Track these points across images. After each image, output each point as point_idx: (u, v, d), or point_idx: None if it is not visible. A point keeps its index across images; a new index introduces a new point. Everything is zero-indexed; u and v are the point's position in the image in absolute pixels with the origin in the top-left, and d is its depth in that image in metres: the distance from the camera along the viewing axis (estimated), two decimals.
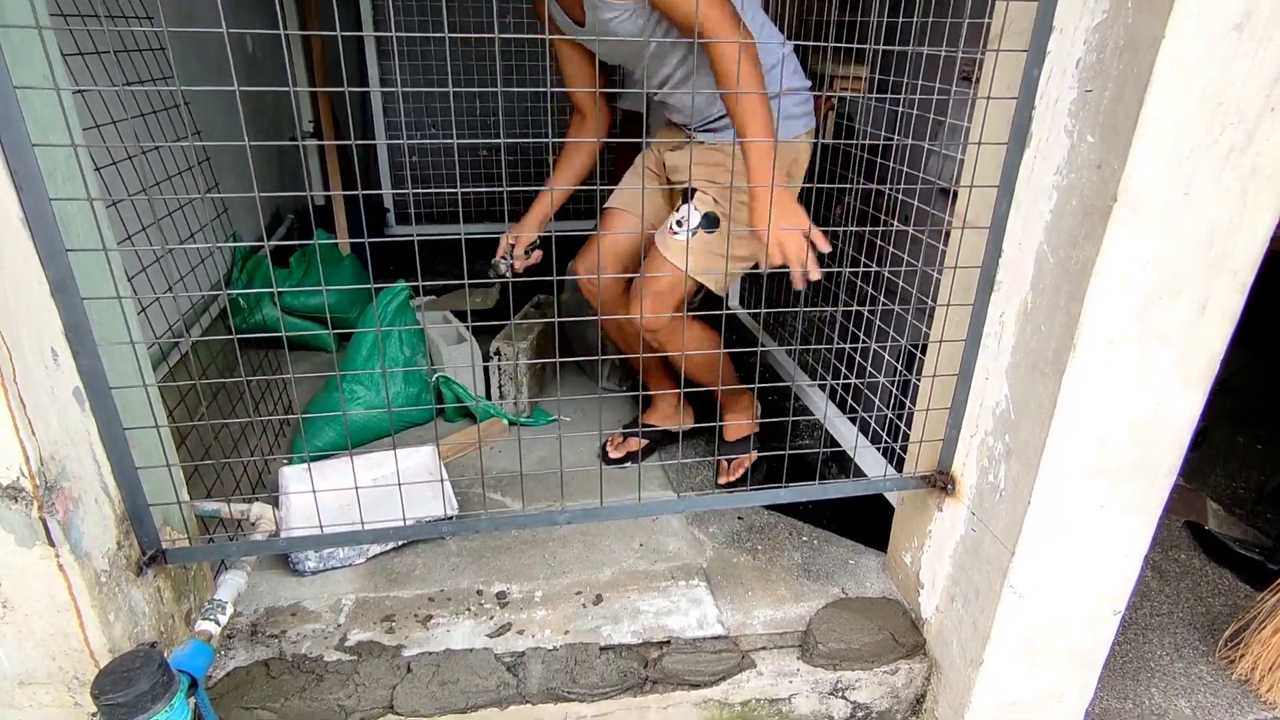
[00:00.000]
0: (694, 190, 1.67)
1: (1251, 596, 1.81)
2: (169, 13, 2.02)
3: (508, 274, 1.77)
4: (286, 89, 1.14)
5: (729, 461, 1.96)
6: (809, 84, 1.77)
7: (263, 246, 2.21)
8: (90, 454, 1.07)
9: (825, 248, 1.40)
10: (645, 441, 2.03)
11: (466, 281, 1.16)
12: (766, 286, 2.64)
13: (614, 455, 2.00)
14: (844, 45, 1.35)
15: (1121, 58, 0.98)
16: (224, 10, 0.88)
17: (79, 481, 1.04)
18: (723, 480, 1.93)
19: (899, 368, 1.80)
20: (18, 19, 0.91)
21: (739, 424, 2.00)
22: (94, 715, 1.11)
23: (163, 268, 1.55)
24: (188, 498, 1.27)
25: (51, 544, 1.00)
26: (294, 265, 2.54)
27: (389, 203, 3.50)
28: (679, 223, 1.67)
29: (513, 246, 1.80)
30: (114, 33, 1.44)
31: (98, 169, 1.15)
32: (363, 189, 3.46)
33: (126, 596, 1.14)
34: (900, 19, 1.79)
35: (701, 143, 1.74)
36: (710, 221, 1.66)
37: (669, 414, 2.07)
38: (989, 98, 1.17)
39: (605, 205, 1.88)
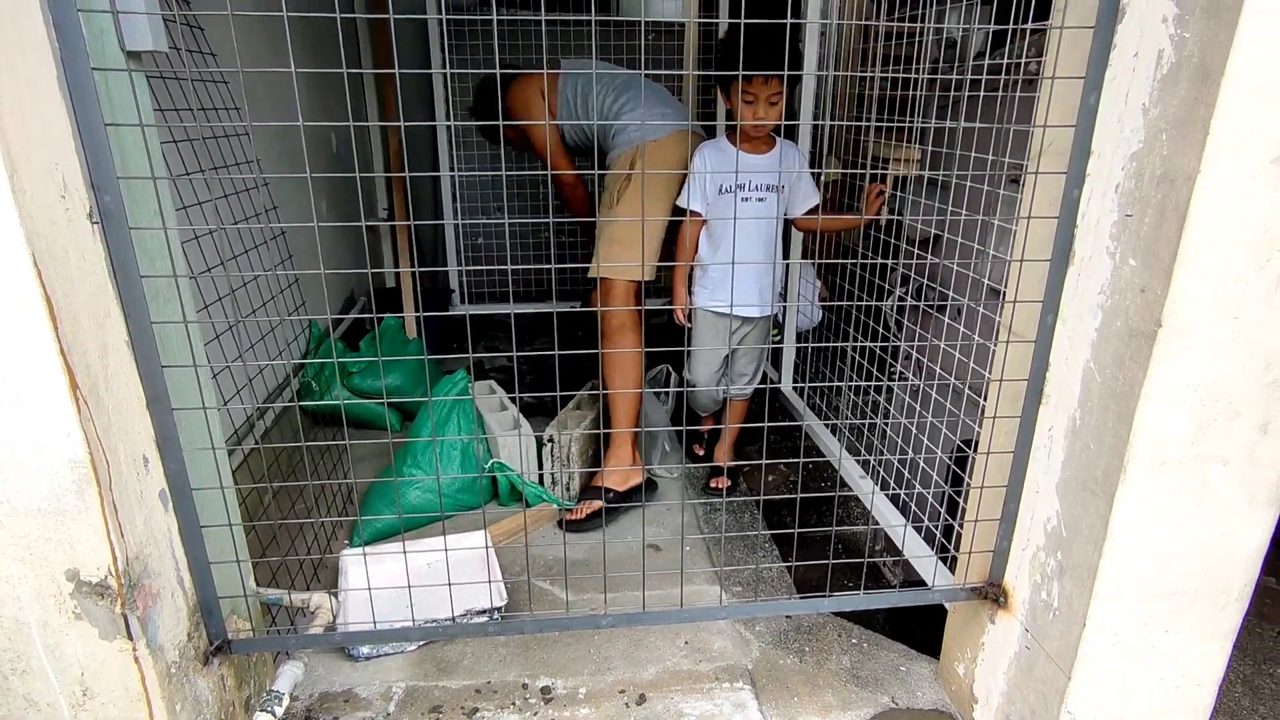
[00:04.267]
0: None
1: None
2: (269, 133, 2.23)
3: None
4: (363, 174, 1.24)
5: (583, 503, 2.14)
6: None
7: (333, 329, 2.36)
8: (170, 551, 1.15)
9: None
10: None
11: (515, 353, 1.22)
12: (812, 366, 2.65)
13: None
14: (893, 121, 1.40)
15: (1159, 187, 0.99)
16: (308, 113, 0.98)
17: (158, 578, 1.12)
18: (570, 517, 2.10)
19: (949, 464, 1.77)
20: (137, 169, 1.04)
21: (617, 471, 2.16)
22: None
23: (244, 360, 1.68)
24: (255, 587, 1.34)
25: (130, 638, 1.07)
26: (364, 348, 2.69)
27: (454, 283, 3.68)
28: None
29: None
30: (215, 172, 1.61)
31: (193, 276, 1.26)
32: (430, 272, 3.64)
33: (193, 686, 1.20)
34: (948, 122, 1.84)
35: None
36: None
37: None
38: (1030, 217, 1.19)
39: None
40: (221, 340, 1.42)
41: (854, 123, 2.38)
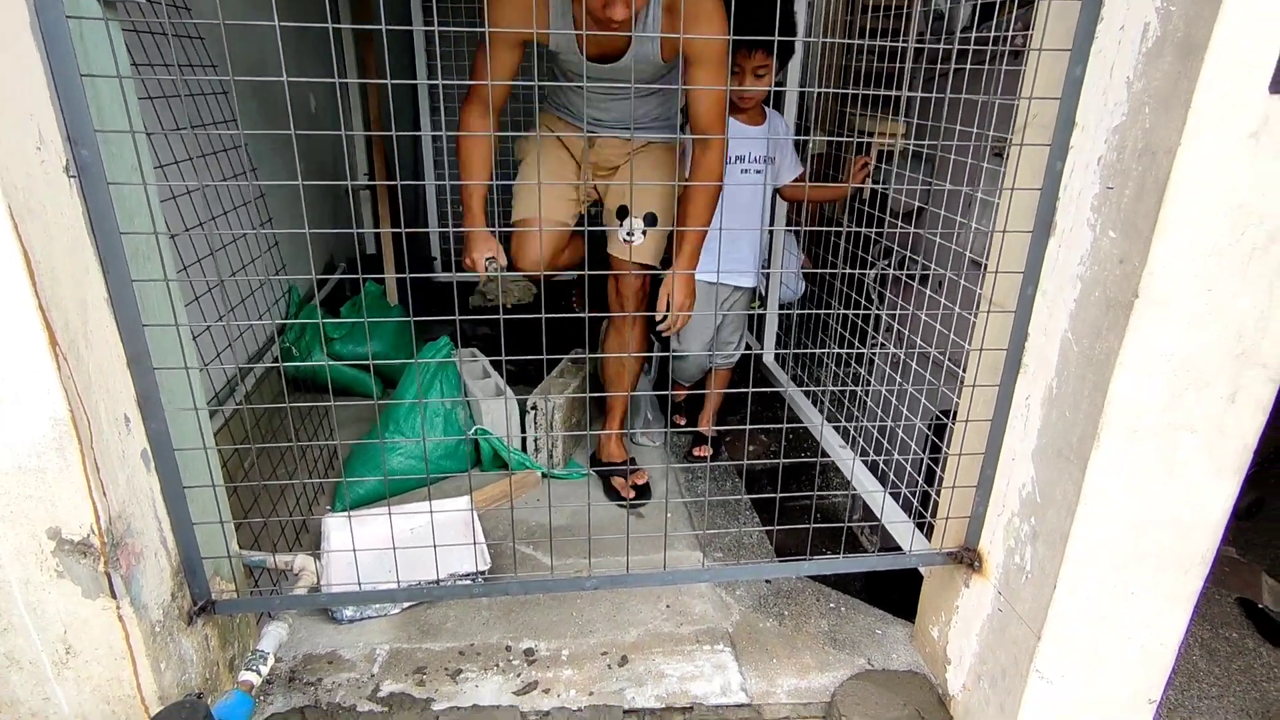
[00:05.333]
0: (625, 208, 1.94)
1: None
2: (245, 93, 2.18)
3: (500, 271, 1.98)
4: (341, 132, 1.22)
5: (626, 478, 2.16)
6: None
7: (316, 291, 2.34)
8: (153, 511, 1.15)
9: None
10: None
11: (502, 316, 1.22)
12: (795, 337, 2.67)
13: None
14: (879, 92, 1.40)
15: (1140, 160, 1.00)
16: (288, 72, 0.96)
17: (141, 537, 1.12)
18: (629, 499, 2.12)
19: (928, 433, 1.81)
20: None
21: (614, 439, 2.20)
22: None
23: (225, 323, 1.65)
24: (238, 549, 1.34)
25: (113, 596, 1.07)
26: (345, 314, 2.66)
27: (435, 250, 3.64)
28: (629, 234, 1.93)
29: (492, 258, 1.99)
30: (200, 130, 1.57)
31: (173, 235, 1.24)
32: (410, 237, 3.60)
33: (177, 645, 1.20)
34: (934, 94, 1.84)
35: (626, 139, 1.93)
36: (651, 220, 1.94)
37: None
38: (1012, 189, 1.21)
39: (518, 217, 2.02)
40: (201, 302, 1.40)
41: (839, 90, 2.37)
